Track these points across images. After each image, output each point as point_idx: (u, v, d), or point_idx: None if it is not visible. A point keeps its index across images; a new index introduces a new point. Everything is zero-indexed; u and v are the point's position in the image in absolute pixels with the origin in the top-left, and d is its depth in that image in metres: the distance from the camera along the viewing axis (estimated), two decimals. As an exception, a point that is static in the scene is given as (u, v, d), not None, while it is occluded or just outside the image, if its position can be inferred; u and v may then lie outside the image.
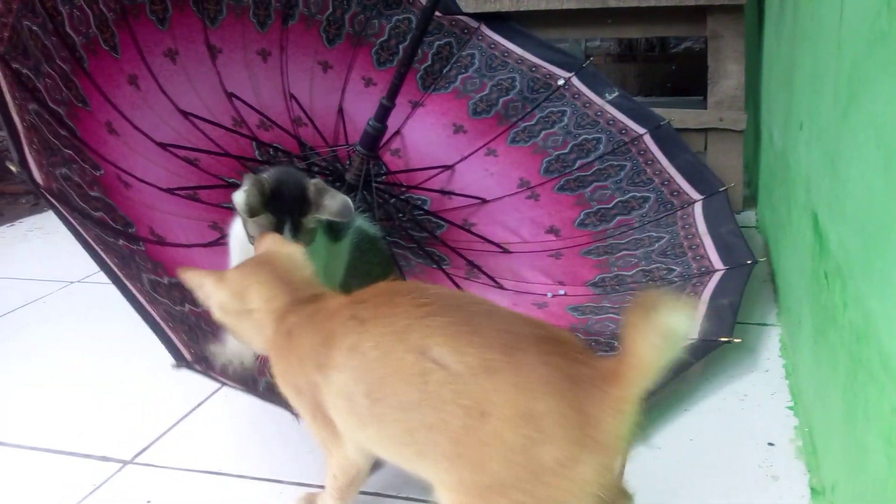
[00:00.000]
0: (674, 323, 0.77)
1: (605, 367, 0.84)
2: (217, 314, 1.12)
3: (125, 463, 1.40)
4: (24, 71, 1.46)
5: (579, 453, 0.81)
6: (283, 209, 1.31)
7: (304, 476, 1.32)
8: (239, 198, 1.27)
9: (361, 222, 1.53)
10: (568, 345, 0.87)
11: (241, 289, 1.09)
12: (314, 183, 1.36)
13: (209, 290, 1.11)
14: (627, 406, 0.82)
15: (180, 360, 1.23)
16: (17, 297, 2.19)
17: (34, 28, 1.54)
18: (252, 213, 1.28)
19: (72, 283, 2.28)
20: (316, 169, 2.14)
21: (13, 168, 1.26)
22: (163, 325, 1.27)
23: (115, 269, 1.28)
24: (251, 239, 1.32)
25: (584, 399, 0.82)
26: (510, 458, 0.82)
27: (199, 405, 1.57)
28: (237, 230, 1.41)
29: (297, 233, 1.33)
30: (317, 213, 1.34)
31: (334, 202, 1.34)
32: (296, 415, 1.28)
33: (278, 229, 1.31)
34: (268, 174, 1.34)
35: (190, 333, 1.33)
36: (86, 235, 1.29)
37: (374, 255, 1.56)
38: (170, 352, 1.23)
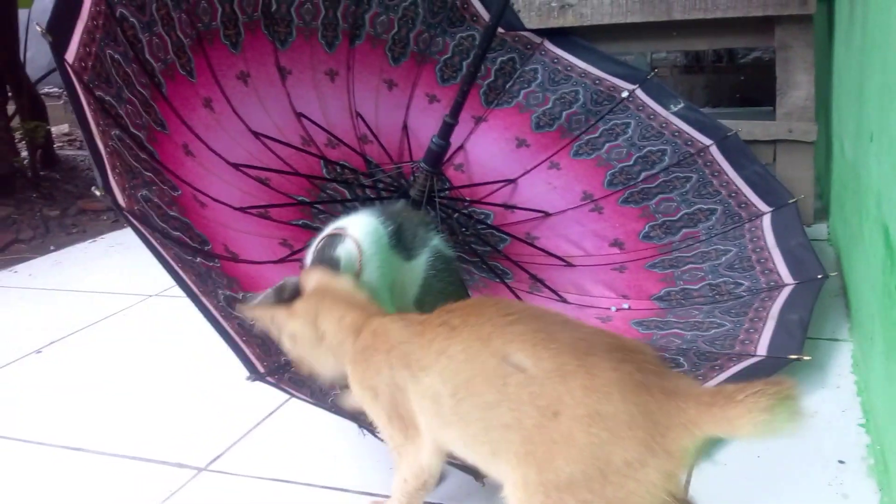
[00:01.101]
0: (786, 420, 0.82)
1: (690, 387, 0.88)
2: (288, 345, 1.17)
3: (199, 470, 1.45)
4: (108, 98, 1.53)
5: (647, 457, 0.85)
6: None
7: (369, 486, 1.35)
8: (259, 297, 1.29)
9: (437, 242, 1.56)
10: (641, 354, 0.91)
11: (312, 317, 1.14)
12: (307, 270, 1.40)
13: (281, 324, 1.17)
14: (699, 431, 0.85)
15: (254, 373, 1.28)
16: (99, 309, 2.30)
17: (116, 56, 1.62)
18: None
19: (150, 296, 2.37)
20: (381, 185, 2.18)
21: (98, 192, 1.32)
22: (237, 339, 1.32)
23: (193, 286, 1.34)
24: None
25: (655, 407, 0.86)
26: (579, 457, 0.86)
27: (270, 415, 1.62)
28: None
29: None
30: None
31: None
32: (364, 427, 1.32)
33: None
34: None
35: (263, 347, 1.38)
36: (165, 254, 1.35)
37: (448, 275, 1.59)
38: (244, 365, 1.29)
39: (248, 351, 1.31)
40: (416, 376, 1.03)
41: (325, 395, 1.40)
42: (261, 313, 1.19)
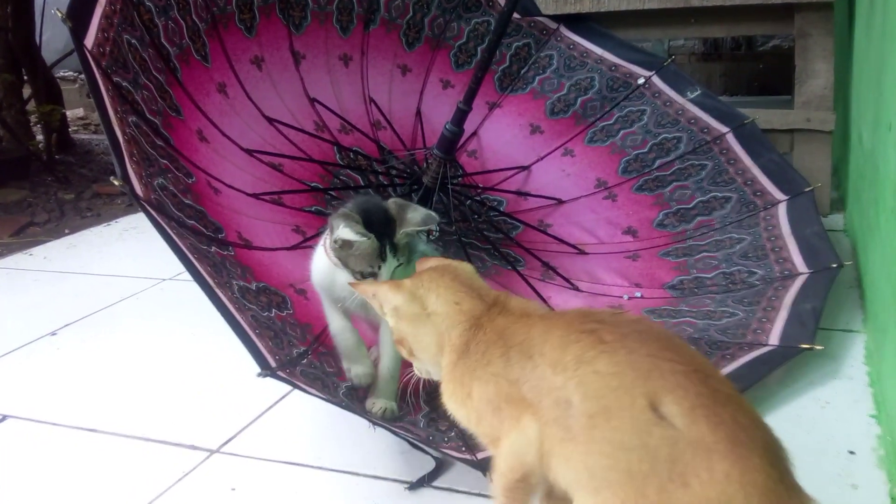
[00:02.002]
0: None
1: None
2: (391, 320, 1.14)
3: (212, 452, 1.47)
4: (125, 84, 1.53)
5: None
6: (375, 233, 1.35)
7: (377, 469, 1.36)
8: (345, 232, 1.32)
9: (424, 248, 1.56)
10: (787, 461, 0.88)
11: (421, 293, 1.11)
12: (393, 201, 1.43)
13: (383, 297, 1.13)
14: None
15: (265, 368, 1.28)
16: (114, 292, 2.31)
17: (132, 41, 1.62)
18: (363, 235, 1.33)
19: (164, 280, 2.39)
20: (394, 171, 2.18)
21: (116, 182, 1.32)
22: (250, 332, 1.33)
23: (208, 278, 1.34)
24: (357, 275, 1.37)
25: None
26: None
27: (282, 398, 1.63)
28: (320, 267, 1.45)
29: (396, 252, 1.38)
30: (404, 227, 1.39)
31: (417, 214, 1.40)
32: (375, 423, 1.32)
33: (381, 253, 1.36)
34: (349, 207, 1.39)
35: (275, 340, 1.38)
36: (181, 244, 1.35)
37: None
38: (255, 359, 1.29)
39: (260, 344, 1.32)
40: (539, 368, 0.96)
41: (335, 389, 1.41)
42: (363, 289, 1.17)
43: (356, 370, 1.44)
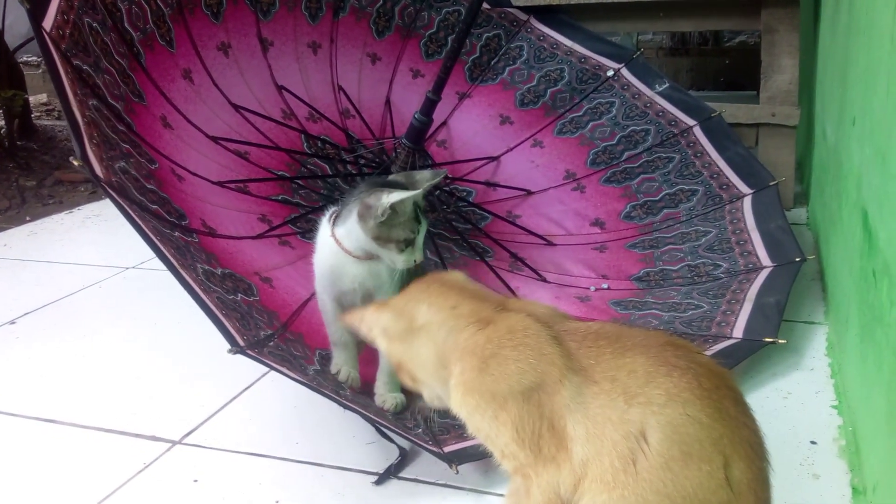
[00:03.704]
0: None
1: None
2: (382, 345, 1.05)
3: (174, 443, 1.45)
4: (85, 67, 1.50)
5: None
6: None
7: (344, 461, 1.35)
8: (395, 196, 1.32)
9: None
10: None
11: (409, 308, 1.02)
12: (394, 176, 1.47)
13: (370, 319, 1.05)
14: None
15: (234, 346, 1.27)
16: (76, 281, 2.27)
17: (94, 25, 1.58)
18: (410, 188, 1.36)
19: (127, 268, 2.35)
20: (362, 161, 2.17)
21: (76, 162, 1.30)
22: (217, 312, 1.31)
23: (172, 259, 1.32)
24: (401, 245, 1.36)
25: None
26: None
27: (247, 389, 1.61)
28: (327, 258, 1.43)
29: (420, 214, 1.39)
30: (420, 187, 1.40)
31: (423, 174, 1.46)
32: (346, 406, 1.30)
33: (416, 216, 1.37)
34: (366, 185, 1.41)
35: (243, 321, 1.37)
36: (144, 227, 1.33)
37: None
38: (225, 337, 1.27)
39: (227, 324, 1.30)
40: (604, 395, 0.89)
41: (304, 371, 1.40)
42: (349, 319, 1.08)
43: (353, 374, 1.44)
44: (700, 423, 0.86)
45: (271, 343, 1.40)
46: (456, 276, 1.09)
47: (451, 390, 0.98)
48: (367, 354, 1.48)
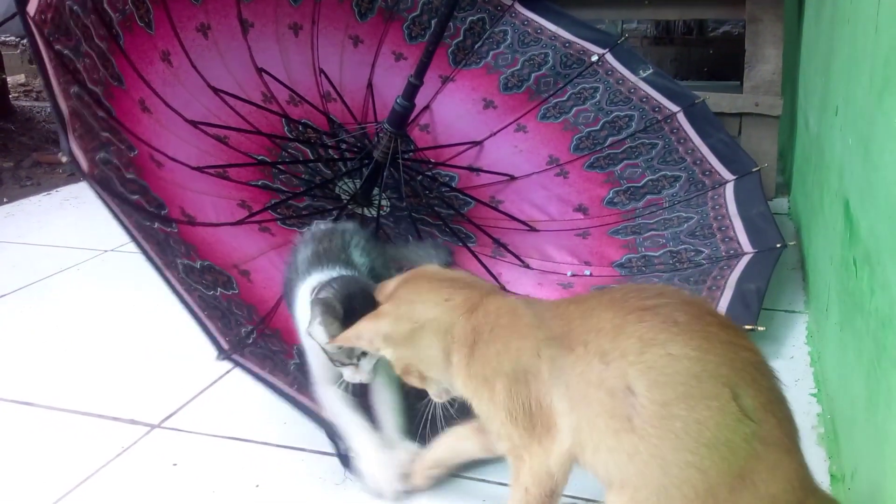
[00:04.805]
0: None
1: None
2: (387, 352, 1.03)
3: (153, 427, 1.43)
4: (66, 52, 1.47)
5: None
6: (355, 320, 1.12)
7: (323, 445, 1.34)
8: (318, 332, 1.13)
9: (359, 258, 1.34)
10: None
11: (405, 310, 1.01)
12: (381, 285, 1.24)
13: (368, 332, 1.03)
14: None
15: (221, 352, 1.27)
16: (53, 263, 2.24)
17: (75, 7, 1.55)
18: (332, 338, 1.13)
19: (105, 251, 2.32)
20: (344, 146, 2.15)
21: (64, 159, 1.28)
22: (200, 314, 1.30)
23: (156, 258, 1.31)
24: (336, 363, 1.19)
25: None
26: None
27: (227, 373, 1.59)
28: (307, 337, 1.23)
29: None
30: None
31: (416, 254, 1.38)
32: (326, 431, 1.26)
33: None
34: (332, 293, 1.16)
35: (224, 320, 1.36)
36: (127, 223, 1.31)
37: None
38: (210, 342, 1.27)
39: (211, 327, 1.29)
40: (582, 360, 0.87)
41: (285, 366, 1.38)
42: (343, 339, 1.04)
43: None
44: (689, 359, 0.82)
45: (251, 340, 1.39)
46: (433, 268, 1.09)
47: (453, 379, 1.00)
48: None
